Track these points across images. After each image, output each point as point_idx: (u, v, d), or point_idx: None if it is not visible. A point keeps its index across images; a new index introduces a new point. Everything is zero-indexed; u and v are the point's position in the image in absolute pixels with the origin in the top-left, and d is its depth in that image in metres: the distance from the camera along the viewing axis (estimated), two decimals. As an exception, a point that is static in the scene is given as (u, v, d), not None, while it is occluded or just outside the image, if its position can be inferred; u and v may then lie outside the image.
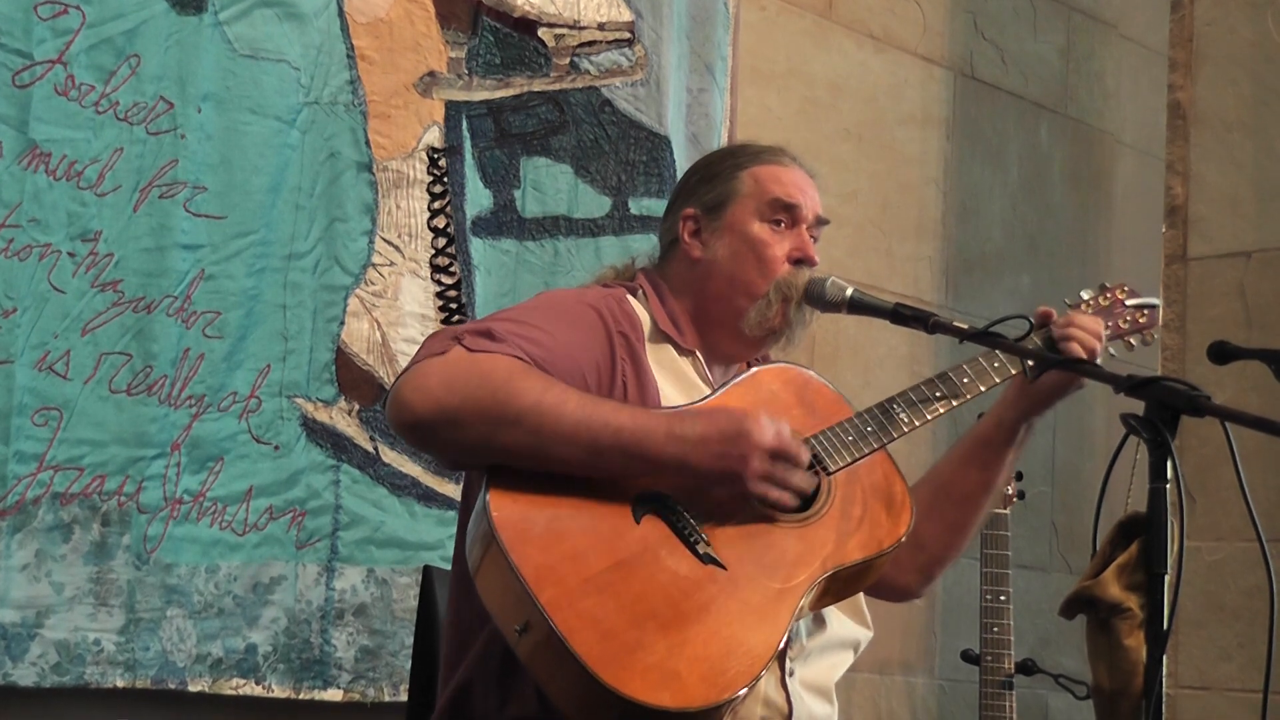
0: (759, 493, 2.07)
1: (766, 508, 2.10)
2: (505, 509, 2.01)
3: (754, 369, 2.30)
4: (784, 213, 2.32)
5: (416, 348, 2.27)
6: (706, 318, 2.33)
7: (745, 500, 2.08)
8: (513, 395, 2.01)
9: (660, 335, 2.27)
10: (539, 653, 1.96)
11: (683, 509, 2.07)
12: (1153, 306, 2.46)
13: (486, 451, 2.05)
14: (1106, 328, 2.40)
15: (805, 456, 2.10)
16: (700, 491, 2.07)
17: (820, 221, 2.36)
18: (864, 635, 2.30)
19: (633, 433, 2.03)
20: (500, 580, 1.99)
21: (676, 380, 2.25)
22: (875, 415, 2.23)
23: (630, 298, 2.30)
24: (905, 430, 2.24)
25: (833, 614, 2.25)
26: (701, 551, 2.05)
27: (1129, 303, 2.45)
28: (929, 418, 2.26)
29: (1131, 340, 2.46)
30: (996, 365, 2.31)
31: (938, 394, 2.27)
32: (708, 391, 2.24)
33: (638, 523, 2.05)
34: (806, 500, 2.14)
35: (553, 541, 2.00)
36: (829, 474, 2.17)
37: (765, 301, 2.29)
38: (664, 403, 2.20)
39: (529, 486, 2.04)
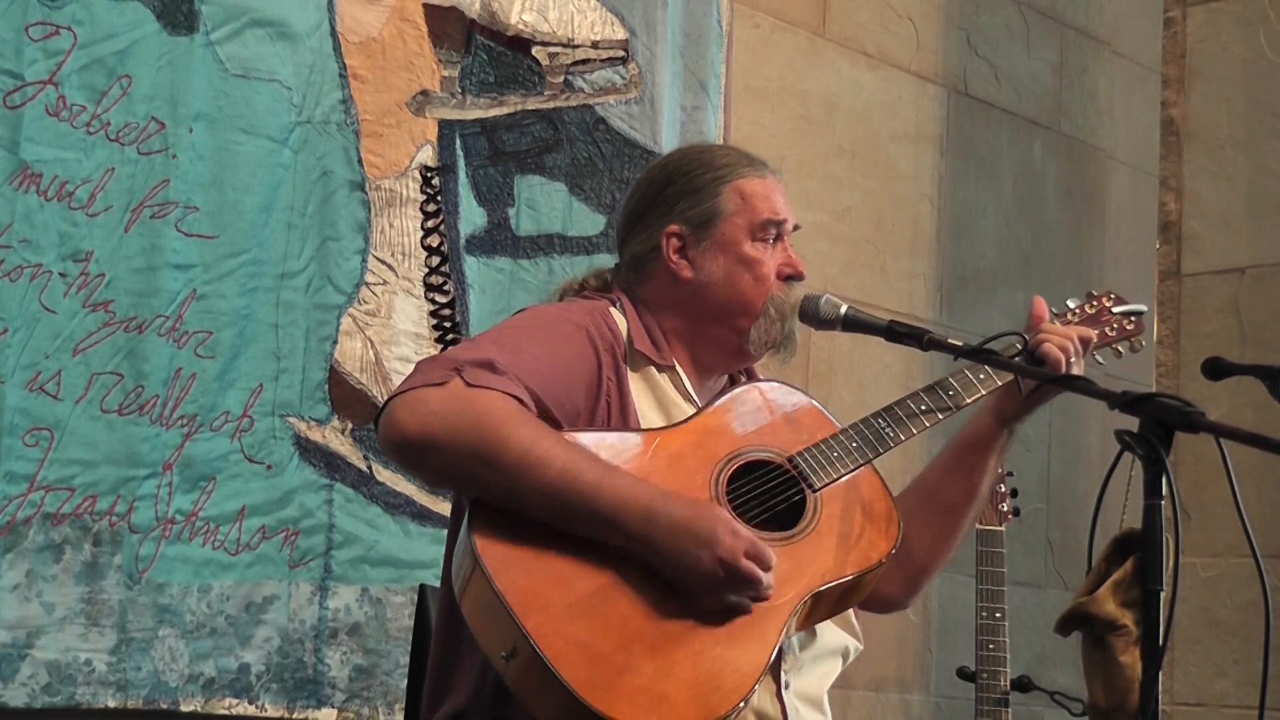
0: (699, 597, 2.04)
1: (753, 521, 2.10)
2: (489, 534, 2.01)
3: (739, 385, 2.30)
4: (773, 229, 2.32)
5: (410, 366, 2.26)
6: (699, 336, 2.32)
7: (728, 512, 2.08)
8: (501, 442, 2.00)
9: (638, 354, 2.26)
10: (526, 678, 1.95)
11: None
12: (1140, 313, 2.45)
13: (467, 485, 2.07)
14: (1094, 333, 2.39)
15: (764, 582, 2.04)
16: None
17: (795, 228, 2.37)
18: (852, 644, 2.29)
19: (608, 508, 2.01)
20: (485, 606, 1.98)
21: (656, 399, 2.24)
22: (861, 430, 2.23)
23: (612, 309, 2.29)
24: (891, 445, 2.23)
25: (823, 624, 2.24)
26: None
27: (1116, 310, 2.44)
28: (915, 431, 2.26)
29: (1119, 348, 2.45)
30: (982, 377, 2.31)
31: (923, 408, 2.27)
32: (689, 409, 2.24)
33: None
34: (793, 518, 2.14)
35: (537, 566, 2.00)
36: (814, 491, 2.16)
37: (766, 319, 2.29)
38: (642, 424, 2.19)
39: (512, 511, 2.03)
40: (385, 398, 2.10)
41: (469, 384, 2.03)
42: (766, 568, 2.03)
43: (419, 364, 2.12)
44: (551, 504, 2.01)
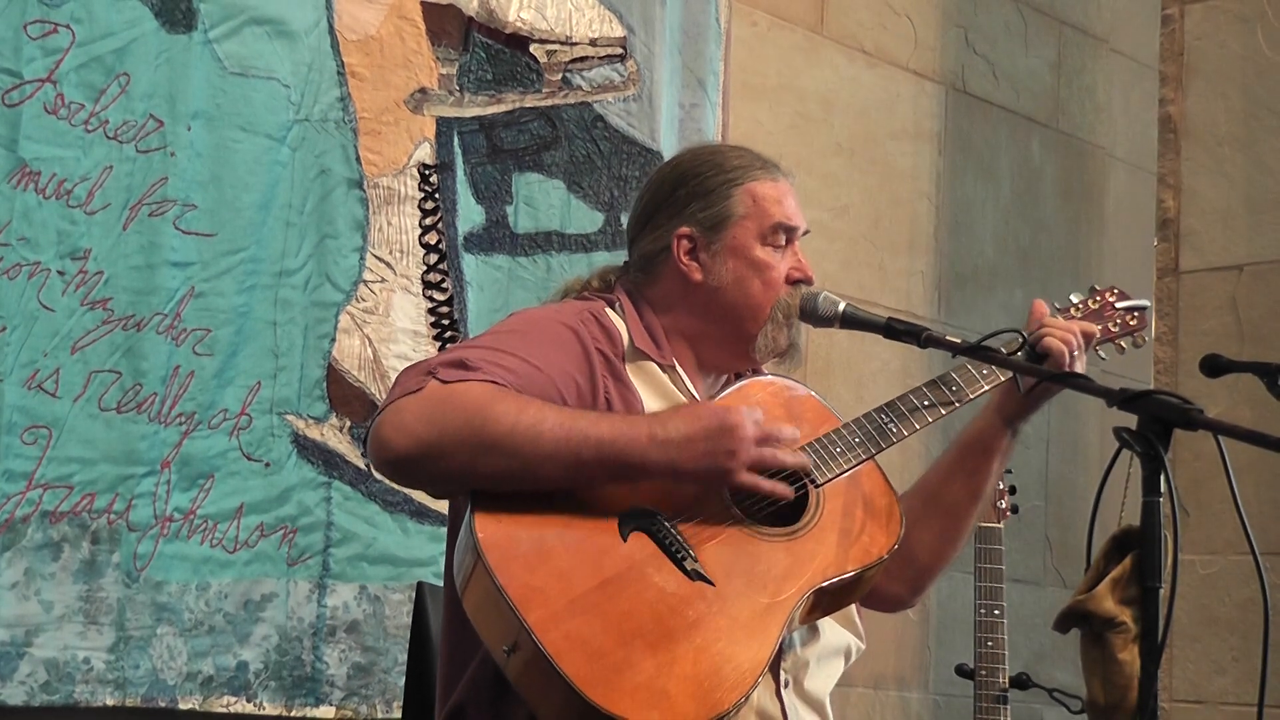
0: (749, 484, 2.07)
1: (755, 516, 2.10)
2: (490, 529, 2.01)
3: (740, 381, 2.30)
4: (784, 234, 2.32)
5: (408, 364, 2.26)
6: (705, 337, 2.31)
7: (730, 507, 2.09)
8: (489, 421, 2.00)
9: (639, 352, 2.26)
10: (527, 673, 1.96)
11: (670, 525, 2.07)
12: (1143, 308, 2.45)
13: (471, 479, 2.05)
14: (1097, 331, 2.39)
15: (789, 433, 2.10)
16: (687, 492, 2.08)
17: (805, 233, 2.37)
18: (854, 643, 2.29)
19: (614, 442, 2.03)
20: (487, 601, 1.99)
21: (659, 395, 2.24)
22: (863, 426, 2.23)
23: (609, 310, 2.29)
24: (894, 440, 2.23)
25: (825, 622, 2.24)
26: (689, 568, 2.04)
27: (1119, 305, 2.43)
28: (917, 427, 2.25)
29: (1122, 344, 2.45)
30: (985, 373, 2.31)
31: (925, 403, 2.27)
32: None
33: (624, 540, 2.05)
34: (795, 513, 2.14)
35: (539, 561, 2.00)
36: (817, 486, 2.16)
37: (774, 324, 2.29)
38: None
39: (514, 506, 2.04)
40: (385, 395, 2.10)
41: (444, 382, 2.03)
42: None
43: (396, 378, 2.12)
44: (556, 463, 2.02)
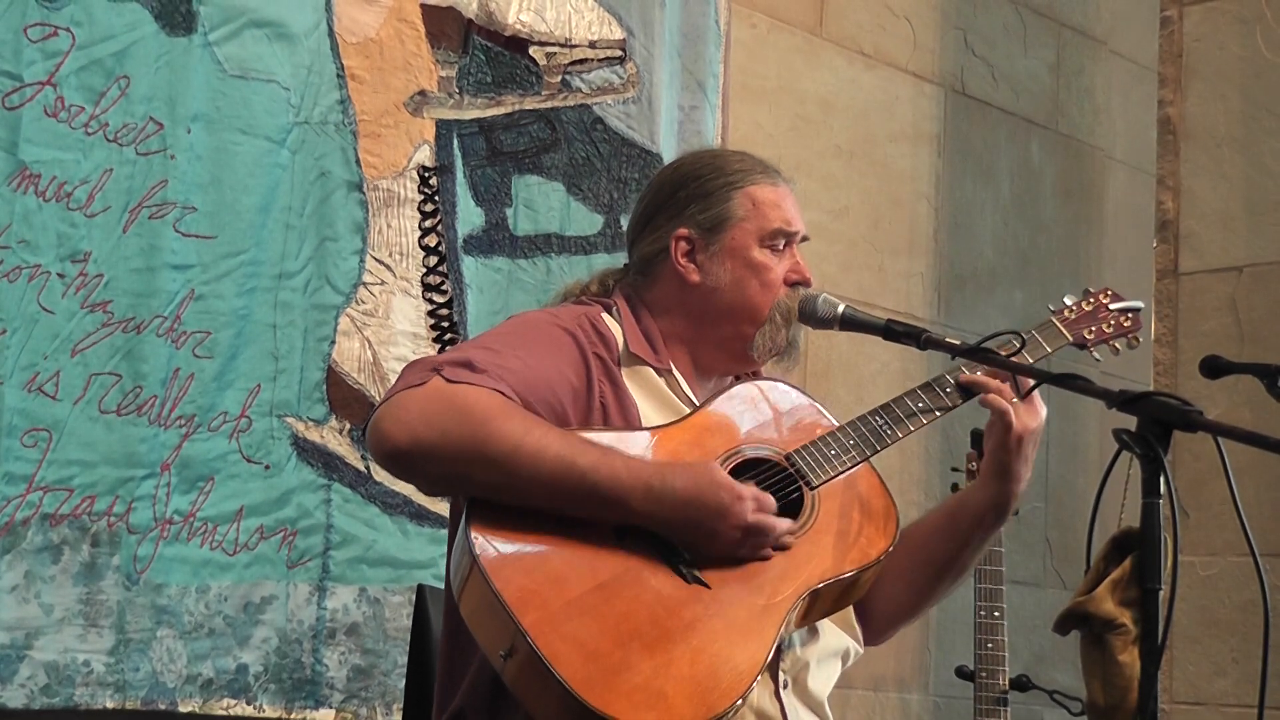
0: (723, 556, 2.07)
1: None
2: (486, 533, 2.01)
3: (736, 384, 2.30)
4: (782, 238, 2.32)
5: (409, 362, 2.26)
6: (702, 339, 2.32)
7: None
8: (492, 436, 2.01)
9: (634, 357, 2.26)
10: (524, 677, 1.96)
11: None
12: (1137, 310, 2.46)
13: (463, 486, 2.06)
14: (1090, 332, 2.40)
15: (782, 531, 2.09)
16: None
17: (804, 239, 2.37)
18: (853, 646, 2.29)
19: (610, 488, 2.03)
20: (483, 605, 1.99)
21: (655, 399, 2.25)
22: (858, 428, 2.23)
23: (605, 315, 2.29)
24: (889, 442, 2.23)
25: (825, 624, 2.25)
26: (685, 570, 2.05)
27: (1113, 306, 2.44)
28: (913, 429, 2.25)
29: (1116, 345, 2.45)
30: (979, 375, 2.31)
31: (920, 405, 2.27)
32: (686, 410, 2.24)
33: (620, 543, 2.05)
34: (790, 515, 2.14)
35: (535, 564, 2.00)
36: (812, 488, 2.17)
37: (772, 325, 2.29)
38: (644, 422, 2.19)
39: (510, 510, 2.04)
40: (382, 397, 2.10)
41: (450, 381, 2.03)
42: (772, 512, 2.08)
43: (401, 372, 2.12)
44: (551, 493, 2.02)
